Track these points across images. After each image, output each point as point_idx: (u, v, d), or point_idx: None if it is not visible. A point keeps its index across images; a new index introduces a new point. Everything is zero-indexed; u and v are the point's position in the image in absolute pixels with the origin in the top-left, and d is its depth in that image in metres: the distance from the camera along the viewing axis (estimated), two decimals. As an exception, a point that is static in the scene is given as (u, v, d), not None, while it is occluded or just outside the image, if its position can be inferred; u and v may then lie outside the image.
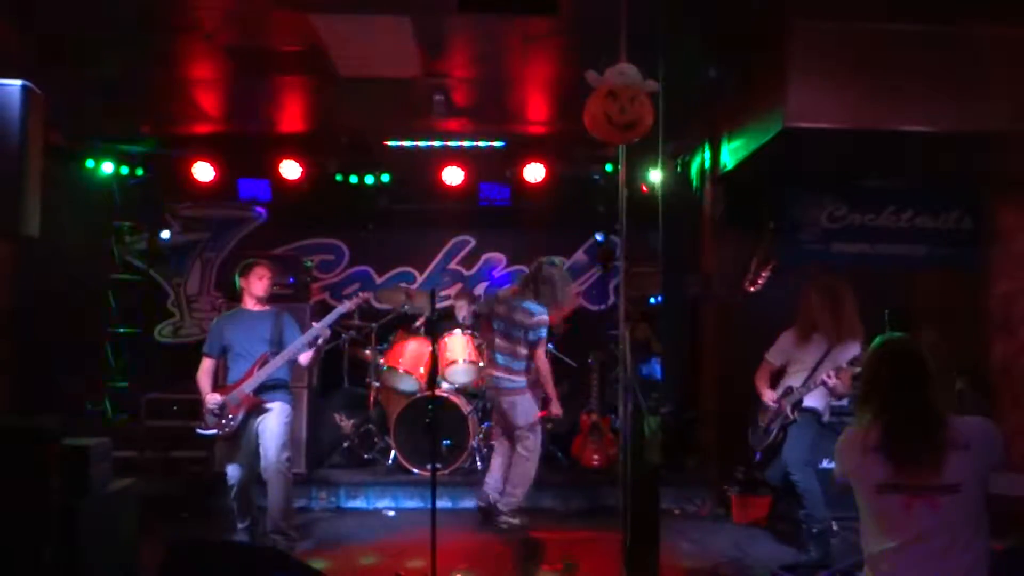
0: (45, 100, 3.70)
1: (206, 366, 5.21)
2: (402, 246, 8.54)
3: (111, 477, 4.15)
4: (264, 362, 5.08)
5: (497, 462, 5.96)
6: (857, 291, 5.19)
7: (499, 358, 5.82)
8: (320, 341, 5.18)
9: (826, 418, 5.17)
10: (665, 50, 4.01)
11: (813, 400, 5.08)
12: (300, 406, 6.40)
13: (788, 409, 5.08)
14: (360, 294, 5.48)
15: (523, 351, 5.74)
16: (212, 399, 5.01)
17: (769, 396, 5.23)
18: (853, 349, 4.95)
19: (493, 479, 5.91)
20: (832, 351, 5.03)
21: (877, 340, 2.91)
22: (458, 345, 6.86)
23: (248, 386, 5.01)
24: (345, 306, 5.29)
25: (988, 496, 2.62)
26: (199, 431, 5.07)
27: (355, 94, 6.39)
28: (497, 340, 5.85)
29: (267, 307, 5.32)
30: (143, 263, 8.38)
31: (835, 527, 5.20)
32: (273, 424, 5.08)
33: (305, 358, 5.23)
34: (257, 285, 5.22)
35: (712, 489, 6.50)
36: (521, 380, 5.79)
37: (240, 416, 5.00)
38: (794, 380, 5.17)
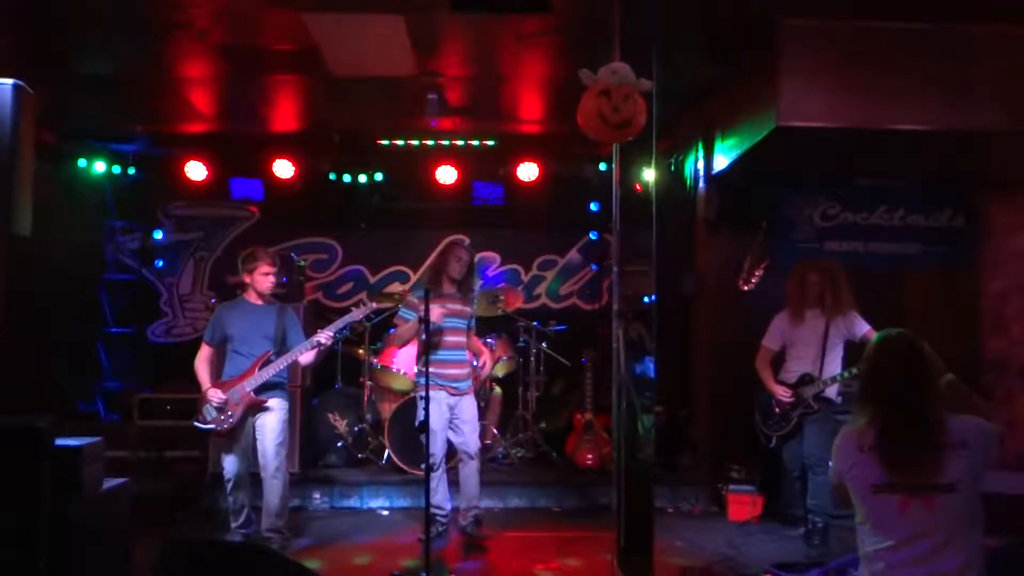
0: (37, 99, 3.69)
1: (204, 354, 5.18)
2: (395, 245, 8.53)
3: (104, 477, 4.13)
4: (267, 361, 5.06)
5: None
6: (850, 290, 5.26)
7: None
8: (324, 344, 5.15)
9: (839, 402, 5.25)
10: (659, 49, 4.00)
11: (829, 391, 5.16)
12: (294, 405, 6.37)
13: (811, 399, 5.13)
14: (370, 303, 5.34)
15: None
16: (215, 395, 4.99)
17: (783, 393, 5.25)
18: (858, 320, 5.15)
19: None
20: (832, 326, 5.17)
21: (876, 337, 2.86)
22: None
23: (249, 384, 5.00)
24: (354, 314, 5.17)
25: (984, 494, 2.61)
26: (196, 423, 5.05)
27: (348, 93, 6.38)
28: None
29: (271, 301, 5.30)
30: (136, 262, 8.36)
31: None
32: (272, 423, 5.08)
33: (307, 358, 5.21)
34: (262, 281, 5.18)
35: (706, 487, 6.52)
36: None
37: (239, 413, 4.99)
38: (805, 364, 5.23)
